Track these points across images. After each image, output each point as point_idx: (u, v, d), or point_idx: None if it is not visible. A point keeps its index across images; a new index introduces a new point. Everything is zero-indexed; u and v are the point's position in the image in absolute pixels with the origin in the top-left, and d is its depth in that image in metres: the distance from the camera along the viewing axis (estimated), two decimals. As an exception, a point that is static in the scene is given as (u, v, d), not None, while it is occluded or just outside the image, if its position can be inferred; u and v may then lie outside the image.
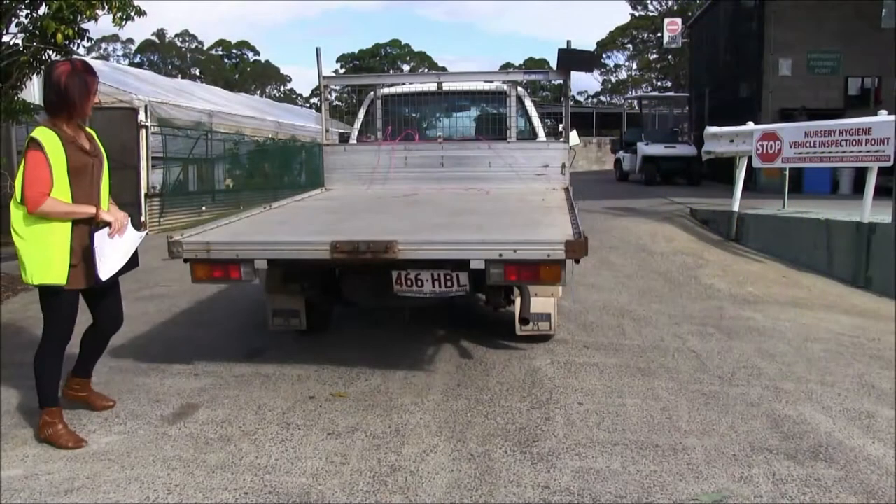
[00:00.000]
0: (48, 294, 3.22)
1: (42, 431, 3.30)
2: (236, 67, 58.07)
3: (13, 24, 6.89)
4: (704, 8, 23.07)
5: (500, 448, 3.20)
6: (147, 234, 3.49)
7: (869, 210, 6.91)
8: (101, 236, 3.22)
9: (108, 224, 3.26)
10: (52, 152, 3.10)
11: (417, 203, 5.22)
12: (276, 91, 59.33)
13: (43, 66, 7.01)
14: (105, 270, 3.22)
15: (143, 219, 12.06)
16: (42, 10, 6.66)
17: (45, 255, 3.13)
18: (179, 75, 46.89)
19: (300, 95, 60.75)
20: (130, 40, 54.17)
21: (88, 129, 3.39)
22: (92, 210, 3.22)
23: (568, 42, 6.07)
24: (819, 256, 7.49)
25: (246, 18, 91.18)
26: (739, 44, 18.43)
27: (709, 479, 2.90)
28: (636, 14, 45.92)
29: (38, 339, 3.30)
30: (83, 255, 3.22)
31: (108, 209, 3.38)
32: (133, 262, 3.46)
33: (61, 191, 3.14)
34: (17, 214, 3.15)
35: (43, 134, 3.11)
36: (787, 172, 9.49)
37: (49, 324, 3.30)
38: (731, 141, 9.11)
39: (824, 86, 16.03)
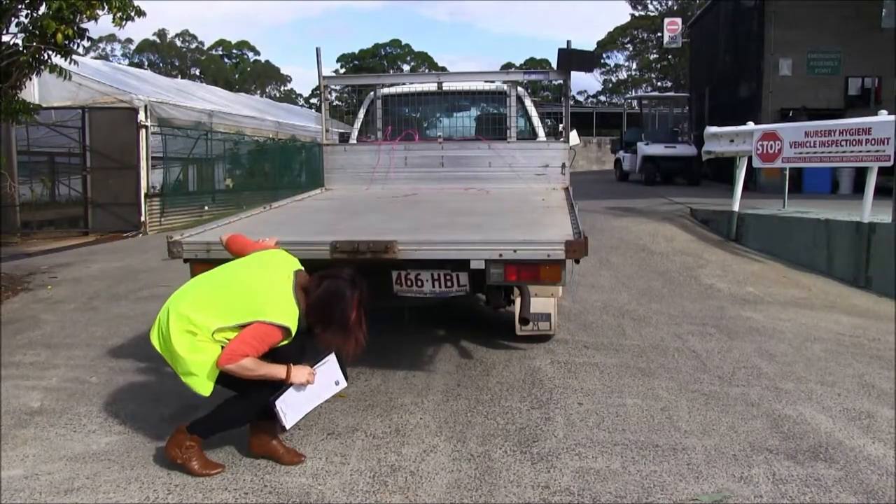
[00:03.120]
0: None
1: (176, 453, 2.97)
2: (236, 67, 58.02)
3: (13, 24, 6.89)
4: (704, 8, 23.07)
5: (500, 448, 3.20)
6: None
7: (869, 210, 6.92)
8: (284, 401, 2.93)
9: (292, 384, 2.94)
10: (288, 338, 2.89)
11: (417, 203, 5.22)
12: (276, 91, 59.29)
13: (42, 66, 7.00)
14: (291, 421, 2.98)
15: (142, 219, 12.10)
16: (42, 9, 6.66)
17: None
18: (179, 75, 46.89)
19: (300, 95, 60.75)
20: (130, 40, 54.15)
21: None
22: (282, 374, 2.89)
23: (568, 42, 6.08)
24: (819, 256, 7.49)
25: (246, 18, 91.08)
26: (739, 44, 18.42)
27: (709, 479, 2.90)
28: (636, 14, 45.89)
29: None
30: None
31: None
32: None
33: None
34: (194, 345, 2.82)
35: (294, 322, 2.85)
36: (787, 172, 9.50)
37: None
38: (732, 141, 9.12)
39: (824, 86, 16.03)
